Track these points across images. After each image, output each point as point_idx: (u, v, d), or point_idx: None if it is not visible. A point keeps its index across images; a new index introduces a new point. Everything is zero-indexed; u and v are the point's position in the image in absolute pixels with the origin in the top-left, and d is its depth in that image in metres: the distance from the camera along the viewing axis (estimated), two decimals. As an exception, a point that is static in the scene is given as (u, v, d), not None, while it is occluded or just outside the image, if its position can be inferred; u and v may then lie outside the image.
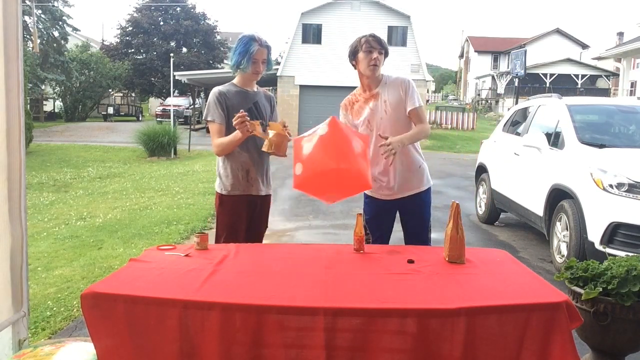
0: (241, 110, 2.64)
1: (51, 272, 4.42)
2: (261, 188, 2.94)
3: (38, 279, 4.21)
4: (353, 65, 2.97)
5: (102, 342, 1.85)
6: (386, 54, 2.92)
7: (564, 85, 36.37)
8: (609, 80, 38.87)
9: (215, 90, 2.85)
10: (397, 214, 3.10)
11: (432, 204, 3.12)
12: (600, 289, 2.46)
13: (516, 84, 23.41)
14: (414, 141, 2.90)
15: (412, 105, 2.88)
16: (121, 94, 37.70)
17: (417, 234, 3.02)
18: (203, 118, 3.21)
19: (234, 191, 2.86)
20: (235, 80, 2.93)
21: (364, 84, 2.97)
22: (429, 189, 3.04)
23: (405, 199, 2.98)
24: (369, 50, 2.86)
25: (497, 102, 43.39)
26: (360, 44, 2.89)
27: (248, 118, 2.62)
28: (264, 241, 3.18)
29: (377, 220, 3.05)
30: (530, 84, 35.50)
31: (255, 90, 2.97)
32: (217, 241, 2.85)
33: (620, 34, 41.80)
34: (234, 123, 2.62)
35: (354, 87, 3.11)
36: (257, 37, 2.83)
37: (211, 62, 35.90)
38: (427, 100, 37.50)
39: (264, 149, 2.71)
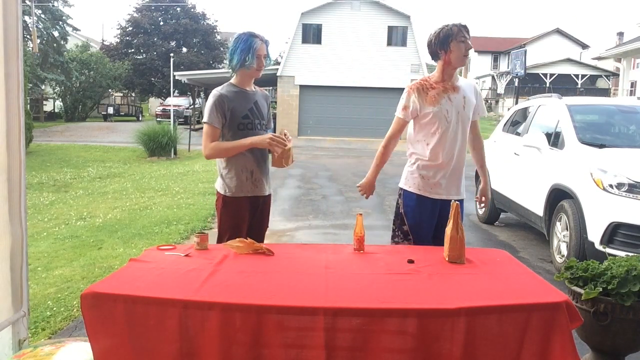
0: (285, 133, 2.79)
1: (51, 272, 4.42)
2: (265, 188, 2.94)
3: (38, 279, 4.21)
4: (439, 53, 2.81)
5: (101, 342, 1.85)
6: None
7: (564, 85, 36.36)
8: (609, 80, 38.87)
9: (215, 92, 2.82)
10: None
11: None
12: (600, 289, 2.46)
13: (516, 84, 23.42)
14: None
15: (482, 114, 2.92)
16: (121, 94, 37.69)
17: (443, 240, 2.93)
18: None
19: (239, 193, 2.85)
20: (233, 81, 2.90)
21: (446, 73, 2.84)
22: (463, 200, 2.96)
23: (448, 202, 2.77)
24: (462, 40, 2.75)
25: (497, 102, 43.38)
26: (452, 32, 2.76)
27: (288, 141, 2.76)
28: (264, 241, 3.18)
29: (420, 216, 2.89)
30: (530, 84, 35.50)
31: (254, 89, 2.97)
32: (219, 242, 2.84)
33: (620, 34, 41.78)
34: (270, 140, 2.71)
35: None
36: (255, 32, 2.84)
37: (211, 62, 35.90)
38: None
39: (274, 165, 2.82)
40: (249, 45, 2.77)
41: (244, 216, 2.87)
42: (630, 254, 2.95)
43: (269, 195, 3.03)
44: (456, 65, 2.81)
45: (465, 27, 2.79)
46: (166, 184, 10.01)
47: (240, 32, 2.87)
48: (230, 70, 2.90)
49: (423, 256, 2.36)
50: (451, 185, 2.90)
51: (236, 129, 2.82)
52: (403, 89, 3.00)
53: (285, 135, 2.79)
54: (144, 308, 1.84)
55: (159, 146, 15.27)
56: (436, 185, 2.87)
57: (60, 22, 27.26)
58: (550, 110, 5.77)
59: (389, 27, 23.40)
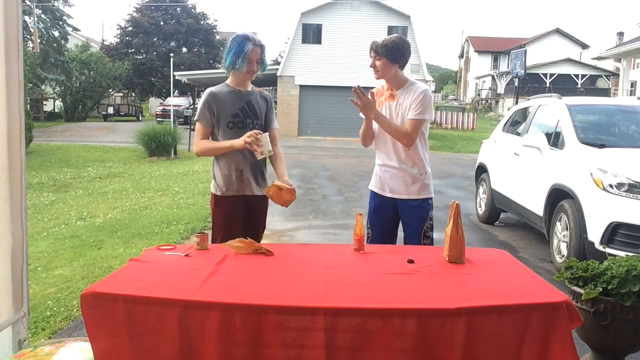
0: (255, 131, 2.72)
1: (51, 272, 4.42)
2: (255, 188, 2.92)
3: (38, 279, 4.21)
4: None
5: (101, 342, 1.85)
6: (391, 58, 2.94)
7: (564, 85, 36.35)
8: (609, 80, 38.85)
9: (207, 91, 2.88)
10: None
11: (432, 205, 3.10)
12: (600, 289, 2.46)
13: (516, 84, 23.43)
14: (388, 130, 2.91)
15: (413, 116, 2.88)
16: (121, 94, 37.70)
17: (408, 240, 3.03)
18: None
19: (229, 191, 2.87)
20: (228, 81, 2.94)
21: (389, 82, 3.06)
22: (427, 200, 3.01)
23: (401, 202, 3.00)
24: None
25: (497, 102, 43.37)
26: None
27: (259, 137, 2.68)
28: (264, 241, 3.17)
29: (377, 213, 3.10)
30: (530, 84, 35.48)
31: (250, 89, 2.97)
32: (213, 241, 2.85)
33: (620, 34, 41.72)
34: (245, 142, 2.67)
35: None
36: (250, 36, 2.83)
37: (211, 61, 35.90)
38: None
39: (277, 203, 2.82)
40: (241, 49, 2.78)
41: (236, 215, 2.88)
42: (630, 254, 2.95)
43: (265, 197, 3.02)
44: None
45: (373, 42, 3.07)
46: (166, 184, 10.01)
47: (238, 32, 2.89)
48: (226, 70, 2.93)
49: (423, 256, 2.35)
50: (399, 185, 2.99)
51: (226, 127, 2.85)
52: None
53: (256, 137, 2.68)
54: (144, 308, 1.84)
55: (159, 146, 15.26)
56: (386, 184, 3.03)
57: (61, 22, 27.26)
58: (550, 110, 5.77)
59: (389, 27, 23.35)
